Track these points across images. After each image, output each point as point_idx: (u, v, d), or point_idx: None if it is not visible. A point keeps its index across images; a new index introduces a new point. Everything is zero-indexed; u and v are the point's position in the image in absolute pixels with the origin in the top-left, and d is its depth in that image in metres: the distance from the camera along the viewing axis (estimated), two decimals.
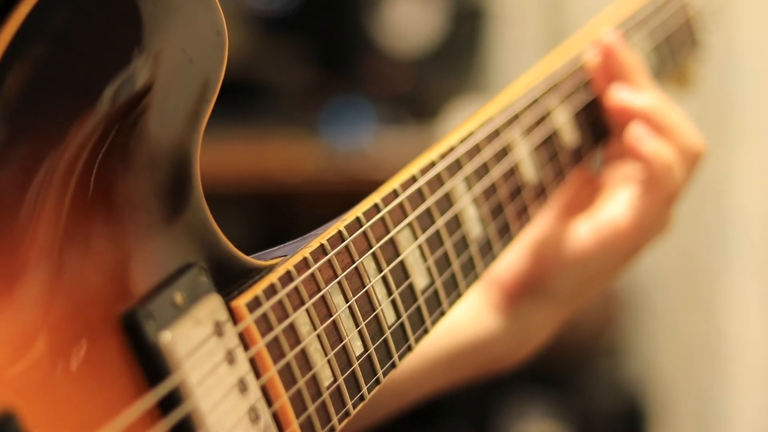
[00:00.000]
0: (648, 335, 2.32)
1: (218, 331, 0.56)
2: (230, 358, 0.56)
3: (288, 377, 0.59)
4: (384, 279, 0.66)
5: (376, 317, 0.65)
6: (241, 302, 0.57)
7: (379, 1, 2.43)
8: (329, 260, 0.62)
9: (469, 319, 0.87)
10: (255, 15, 2.43)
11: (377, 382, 0.65)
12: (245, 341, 0.57)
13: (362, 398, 0.64)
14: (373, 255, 0.65)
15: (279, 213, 2.56)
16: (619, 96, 0.86)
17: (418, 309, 0.69)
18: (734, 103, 2.02)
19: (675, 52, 1.01)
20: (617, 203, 0.85)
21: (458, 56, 2.46)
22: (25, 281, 0.50)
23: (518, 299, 0.87)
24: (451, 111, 2.33)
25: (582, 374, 2.39)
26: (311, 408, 0.60)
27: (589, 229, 0.85)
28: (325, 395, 0.61)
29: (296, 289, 0.60)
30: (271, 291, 0.59)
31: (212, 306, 0.56)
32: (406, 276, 0.68)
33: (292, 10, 2.46)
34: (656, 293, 2.27)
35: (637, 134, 0.84)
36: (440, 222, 0.71)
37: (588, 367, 2.40)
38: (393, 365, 0.66)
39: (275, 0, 2.45)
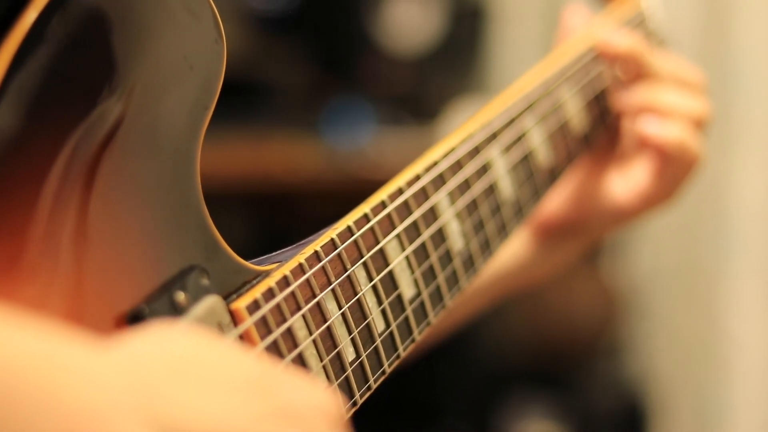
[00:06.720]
0: (648, 335, 2.32)
1: (220, 332, 0.57)
2: None
3: None
4: (374, 288, 0.67)
5: (368, 325, 0.66)
6: (241, 305, 0.58)
7: (379, 1, 2.43)
8: (323, 267, 0.63)
9: (515, 249, 1.01)
10: (255, 15, 2.43)
11: (369, 388, 0.66)
12: (244, 344, 0.58)
13: (355, 404, 0.64)
14: (364, 264, 0.66)
15: (279, 213, 2.56)
16: (645, 128, 0.94)
17: (406, 319, 0.70)
18: (734, 104, 2.02)
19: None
20: (648, 174, 0.95)
21: (458, 56, 2.46)
22: (31, 279, 0.51)
23: (556, 236, 1.01)
24: (451, 111, 2.34)
25: (582, 374, 2.39)
26: None
27: (624, 189, 0.96)
28: None
29: (293, 293, 0.61)
30: (269, 295, 0.59)
31: (214, 307, 0.57)
32: (395, 286, 0.69)
33: (292, 10, 2.46)
34: (656, 293, 2.27)
35: (650, 128, 0.94)
36: (426, 234, 0.72)
37: (588, 367, 2.40)
38: (383, 372, 0.67)
39: (275, 0, 2.45)
